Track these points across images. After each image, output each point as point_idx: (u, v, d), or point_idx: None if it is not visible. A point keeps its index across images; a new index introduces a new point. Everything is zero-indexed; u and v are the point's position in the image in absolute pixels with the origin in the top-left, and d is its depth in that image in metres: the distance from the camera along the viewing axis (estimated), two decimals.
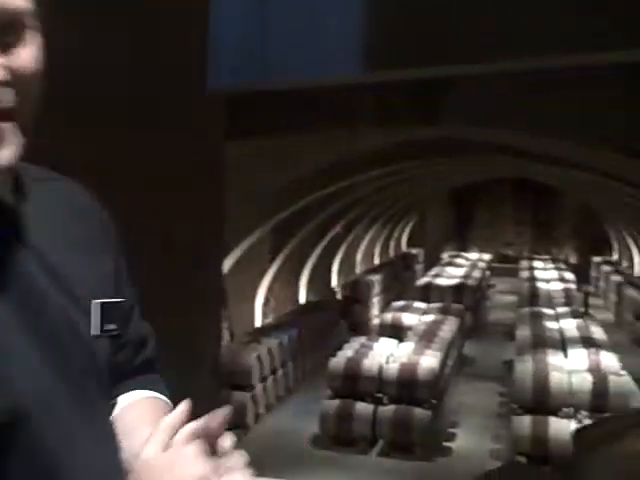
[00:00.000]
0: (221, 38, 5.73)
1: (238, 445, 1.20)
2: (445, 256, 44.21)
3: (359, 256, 31.21)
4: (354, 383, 14.81)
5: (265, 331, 17.95)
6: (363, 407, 14.48)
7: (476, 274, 32.97)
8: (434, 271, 33.78)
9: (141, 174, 5.23)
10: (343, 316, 23.79)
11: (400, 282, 34.22)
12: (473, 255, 43.74)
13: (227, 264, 14.76)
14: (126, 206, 2.73)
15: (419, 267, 41.10)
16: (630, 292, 27.35)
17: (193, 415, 1.22)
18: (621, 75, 7.24)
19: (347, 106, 7.65)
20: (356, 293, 26.68)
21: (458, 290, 27.07)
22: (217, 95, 5.71)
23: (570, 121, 8.11)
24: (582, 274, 39.72)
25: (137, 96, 5.13)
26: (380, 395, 14.65)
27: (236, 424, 14.74)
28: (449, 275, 31.80)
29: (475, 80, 7.57)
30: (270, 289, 20.31)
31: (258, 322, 18.81)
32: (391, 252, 38.89)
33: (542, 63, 5.50)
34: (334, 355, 16.20)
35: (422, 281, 29.92)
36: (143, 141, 5.23)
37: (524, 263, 39.18)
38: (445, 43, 5.05)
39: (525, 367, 14.80)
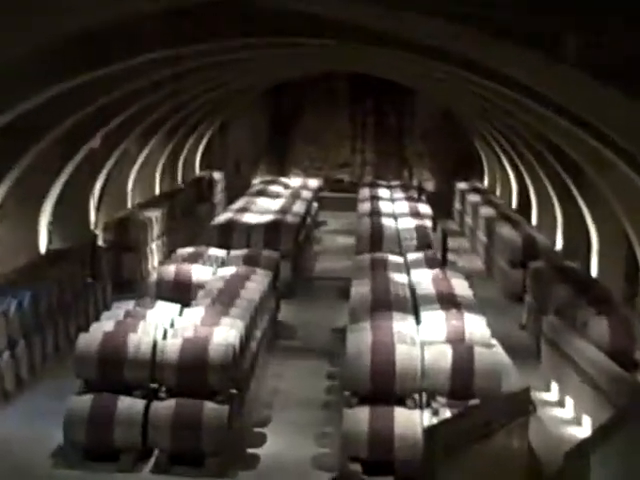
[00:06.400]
0: None
1: None
2: (256, 182, 44.34)
3: (131, 182, 30.52)
4: (115, 369, 14.33)
5: None
6: (129, 404, 14.11)
7: (298, 208, 33.21)
8: (240, 203, 33.78)
9: None
10: (103, 271, 23.19)
11: (191, 220, 34.01)
12: (295, 181, 44.13)
13: None
14: None
15: (219, 198, 41.07)
16: (505, 230, 28.34)
17: None
18: None
19: None
20: (125, 236, 26.19)
21: (272, 230, 27.09)
22: None
23: None
24: (442, 206, 41.07)
25: None
26: (155, 385, 14.36)
27: None
28: (261, 209, 31.85)
29: None
30: None
31: None
32: (179, 177, 38.52)
33: None
34: (87, 330, 15.65)
35: (222, 218, 29.80)
36: None
37: (365, 192, 39.84)
38: None
39: (361, 338, 14.85)
